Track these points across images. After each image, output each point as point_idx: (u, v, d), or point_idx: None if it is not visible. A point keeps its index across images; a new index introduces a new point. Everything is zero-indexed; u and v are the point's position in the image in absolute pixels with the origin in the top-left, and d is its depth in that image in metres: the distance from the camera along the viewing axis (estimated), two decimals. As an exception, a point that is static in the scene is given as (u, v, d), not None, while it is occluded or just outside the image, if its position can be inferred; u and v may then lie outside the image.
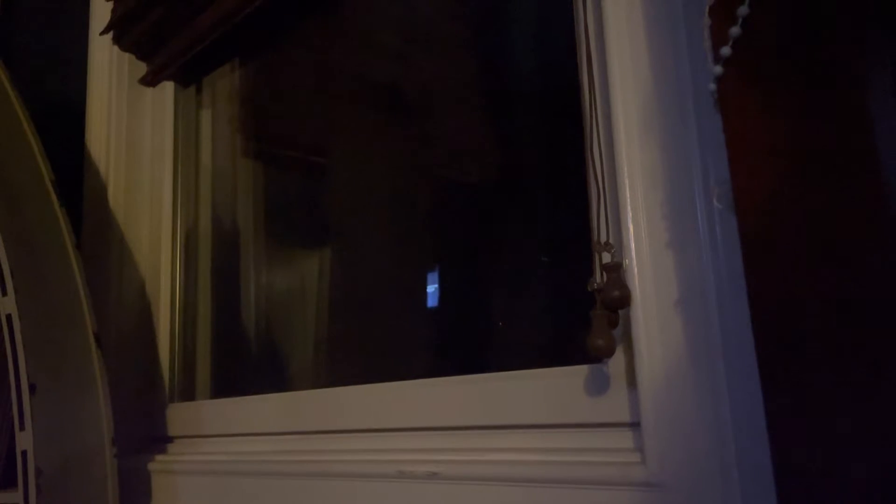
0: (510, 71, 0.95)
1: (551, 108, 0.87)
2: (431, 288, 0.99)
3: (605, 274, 0.61)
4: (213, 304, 1.28)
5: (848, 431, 0.44)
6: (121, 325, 1.20)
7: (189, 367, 1.26)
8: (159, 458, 1.12)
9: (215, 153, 1.33)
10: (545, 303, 0.87)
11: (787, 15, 0.48)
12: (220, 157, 1.33)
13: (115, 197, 1.24)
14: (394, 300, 1.04)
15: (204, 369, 1.26)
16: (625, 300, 0.60)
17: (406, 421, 0.83)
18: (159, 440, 1.19)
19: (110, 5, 1.28)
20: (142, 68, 1.31)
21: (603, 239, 0.64)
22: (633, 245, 0.61)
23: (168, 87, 1.34)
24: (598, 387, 0.67)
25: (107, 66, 1.30)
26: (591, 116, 0.67)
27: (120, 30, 1.27)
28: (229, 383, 1.24)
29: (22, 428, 0.87)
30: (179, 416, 1.18)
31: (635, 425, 0.63)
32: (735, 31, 0.50)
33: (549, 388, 0.70)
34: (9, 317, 0.89)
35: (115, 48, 1.29)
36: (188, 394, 1.25)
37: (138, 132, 1.30)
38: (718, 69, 0.51)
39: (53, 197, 1.00)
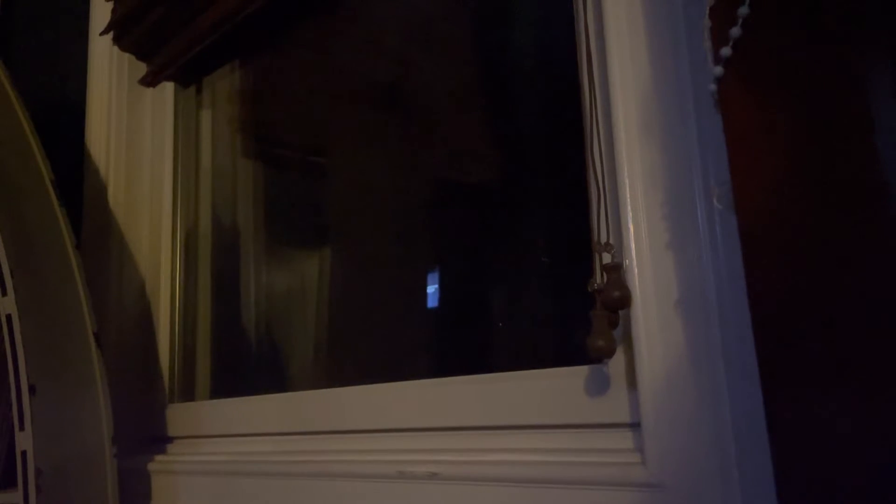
0: (510, 71, 0.95)
1: (551, 108, 0.87)
2: (431, 288, 0.99)
3: (605, 274, 0.61)
4: (213, 305, 1.28)
5: (848, 431, 0.44)
6: (121, 325, 1.20)
7: (189, 368, 1.26)
8: (159, 458, 1.12)
9: (215, 153, 1.33)
10: (545, 303, 0.87)
11: (787, 15, 0.48)
12: (220, 157, 1.33)
13: (115, 197, 1.24)
14: (394, 300, 1.04)
15: (204, 369, 1.26)
16: (625, 300, 0.60)
17: (406, 421, 0.83)
18: (159, 440, 1.19)
19: (110, 5, 1.28)
20: (142, 68, 1.31)
21: (603, 239, 0.64)
22: (633, 245, 0.61)
23: (168, 88, 1.34)
24: (599, 387, 0.67)
25: (107, 66, 1.30)
26: (591, 116, 0.67)
27: (120, 30, 1.27)
28: (229, 384, 1.24)
29: (22, 428, 0.87)
30: (179, 416, 1.18)
31: (635, 426, 0.63)
32: (735, 31, 0.50)
33: (550, 389, 0.70)
34: (9, 317, 0.89)
35: (115, 48, 1.29)
36: (188, 394, 1.25)
37: (138, 132, 1.30)
38: (719, 70, 0.51)
39: (53, 197, 1.00)
